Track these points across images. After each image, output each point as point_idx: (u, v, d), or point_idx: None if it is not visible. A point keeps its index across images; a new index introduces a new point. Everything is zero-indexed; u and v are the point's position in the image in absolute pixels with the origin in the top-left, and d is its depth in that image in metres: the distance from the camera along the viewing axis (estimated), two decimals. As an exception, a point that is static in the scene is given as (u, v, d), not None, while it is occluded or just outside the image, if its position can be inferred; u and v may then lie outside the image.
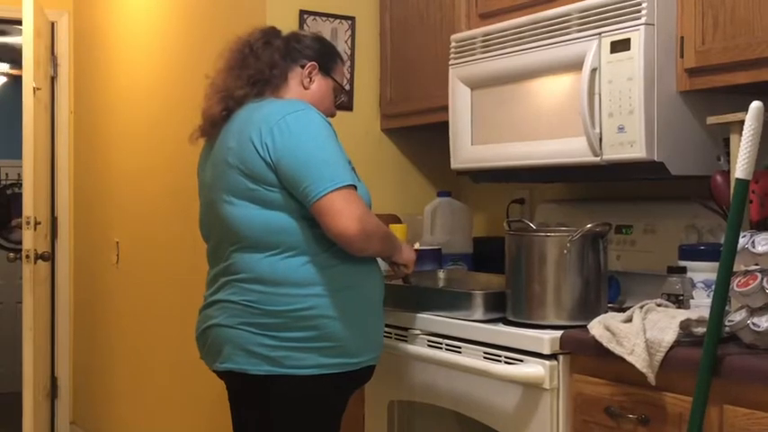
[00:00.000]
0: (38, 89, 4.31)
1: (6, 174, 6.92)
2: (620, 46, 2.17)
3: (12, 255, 4.61)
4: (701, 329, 1.81)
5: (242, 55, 2.23)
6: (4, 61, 6.27)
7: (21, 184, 4.69)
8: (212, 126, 2.22)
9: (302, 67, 2.27)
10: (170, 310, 3.76)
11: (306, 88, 2.27)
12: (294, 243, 2.08)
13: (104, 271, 4.55)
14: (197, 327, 2.24)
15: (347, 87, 2.42)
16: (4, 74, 6.32)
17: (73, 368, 5.02)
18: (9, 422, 5.16)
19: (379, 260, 2.26)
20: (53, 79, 4.93)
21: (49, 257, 4.62)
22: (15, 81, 5.25)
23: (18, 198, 4.81)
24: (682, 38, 2.15)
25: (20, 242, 4.42)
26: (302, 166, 2.04)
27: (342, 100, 2.42)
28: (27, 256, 4.20)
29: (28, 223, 4.20)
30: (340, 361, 2.09)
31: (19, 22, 4.31)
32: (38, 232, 4.30)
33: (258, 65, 2.21)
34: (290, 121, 2.07)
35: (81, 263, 4.95)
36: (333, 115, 2.32)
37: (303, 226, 2.08)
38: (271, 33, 2.29)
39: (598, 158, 2.25)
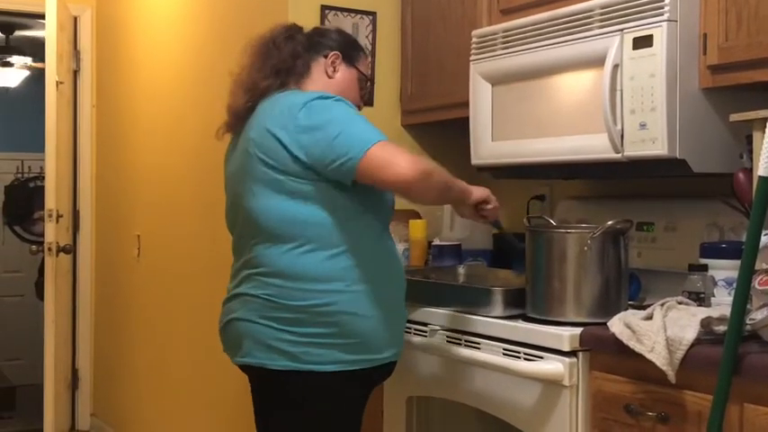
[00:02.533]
0: (60, 83, 4.34)
1: (29, 167, 6.97)
2: (643, 42, 2.16)
3: (34, 247, 4.64)
4: (721, 328, 1.80)
5: (266, 48, 2.24)
6: (27, 55, 6.30)
7: (43, 177, 4.72)
8: (237, 119, 2.23)
9: (325, 57, 2.27)
10: (190, 303, 3.77)
11: (330, 77, 2.26)
12: (314, 236, 2.06)
13: (125, 264, 4.58)
14: (220, 319, 2.24)
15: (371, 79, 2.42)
16: (27, 67, 6.35)
17: (94, 360, 5.06)
18: (30, 413, 5.21)
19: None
20: (76, 73, 4.97)
21: (71, 250, 4.65)
22: (38, 75, 5.27)
23: (40, 191, 4.83)
24: (705, 34, 2.14)
25: (42, 235, 4.46)
26: (333, 141, 2.02)
27: (367, 91, 2.39)
28: (49, 249, 4.23)
29: (50, 216, 4.23)
30: (360, 357, 2.08)
31: (42, 17, 4.34)
32: (60, 225, 4.33)
33: (281, 55, 2.22)
34: (314, 106, 2.07)
35: (102, 256, 4.98)
36: (360, 107, 2.31)
37: (327, 219, 2.07)
38: (293, 29, 2.30)
39: (619, 155, 2.24)
